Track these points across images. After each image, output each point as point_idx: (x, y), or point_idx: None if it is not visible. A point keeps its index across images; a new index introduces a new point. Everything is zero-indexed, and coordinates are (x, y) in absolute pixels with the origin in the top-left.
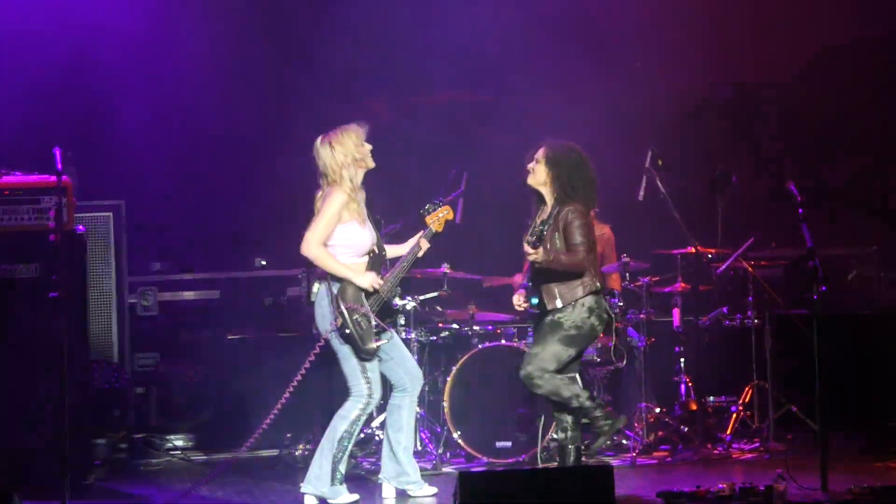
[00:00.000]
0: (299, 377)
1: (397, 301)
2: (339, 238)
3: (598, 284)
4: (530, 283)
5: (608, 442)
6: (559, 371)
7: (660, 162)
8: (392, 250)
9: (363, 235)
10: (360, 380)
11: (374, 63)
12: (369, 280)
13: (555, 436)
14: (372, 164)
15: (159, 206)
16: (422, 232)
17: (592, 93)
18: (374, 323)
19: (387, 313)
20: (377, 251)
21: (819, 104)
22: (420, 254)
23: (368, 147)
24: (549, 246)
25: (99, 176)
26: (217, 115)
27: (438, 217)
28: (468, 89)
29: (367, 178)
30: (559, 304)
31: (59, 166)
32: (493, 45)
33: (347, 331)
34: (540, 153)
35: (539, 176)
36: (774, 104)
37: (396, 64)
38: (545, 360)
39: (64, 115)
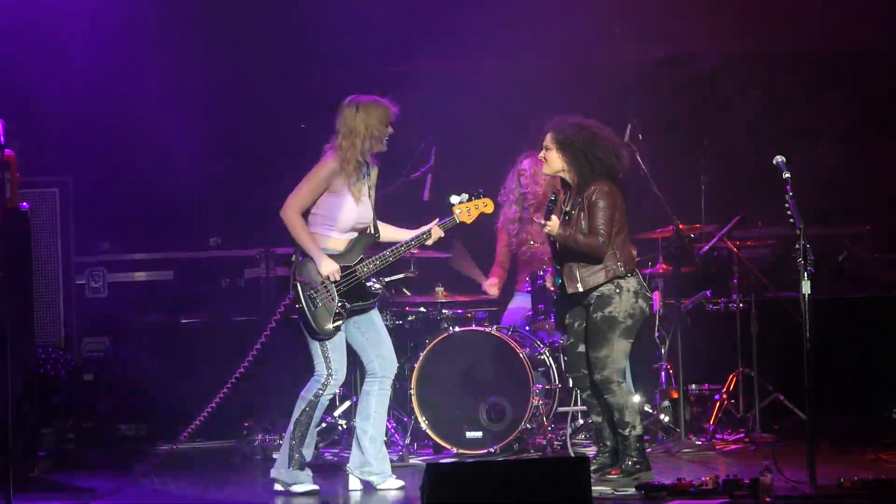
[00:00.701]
0: (246, 363)
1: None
2: (323, 207)
3: (622, 269)
4: (556, 265)
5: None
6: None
7: (640, 136)
8: (394, 233)
9: (350, 211)
10: (321, 359)
11: (334, 29)
12: (326, 269)
13: (594, 418)
14: (383, 149)
15: (108, 182)
16: (438, 220)
17: (568, 59)
18: (337, 302)
19: (359, 295)
20: (371, 232)
21: (808, 76)
22: (430, 241)
23: (389, 131)
24: (574, 228)
25: (43, 151)
26: (170, 86)
27: (471, 208)
28: (437, 57)
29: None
30: (580, 287)
31: (2, 139)
32: (464, 7)
33: (298, 306)
34: (548, 139)
35: (554, 164)
36: (762, 74)
37: (359, 29)
38: (618, 360)
39: (3, 87)
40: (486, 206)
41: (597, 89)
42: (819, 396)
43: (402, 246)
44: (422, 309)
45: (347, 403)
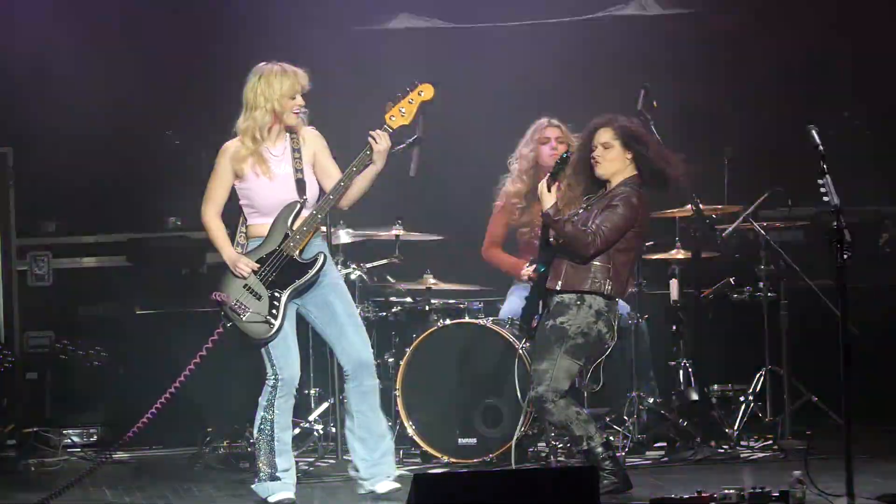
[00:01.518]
0: (193, 364)
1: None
2: (242, 195)
3: (608, 289)
4: (544, 252)
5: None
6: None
7: (654, 103)
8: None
9: (266, 192)
10: (266, 361)
11: None
12: (230, 263)
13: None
14: (292, 123)
15: (53, 154)
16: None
17: (573, 18)
18: (267, 295)
19: (292, 273)
20: (297, 200)
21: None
22: (378, 161)
23: (296, 103)
24: (589, 220)
25: None
26: (124, 49)
27: (404, 106)
28: (427, 16)
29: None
30: (558, 286)
31: None
32: None
33: (228, 325)
34: (608, 135)
35: (613, 164)
36: (793, 33)
37: None
38: (559, 379)
39: None
40: (422, 94)
41: (607, 50)
42: (858, 398)
43: (340, 182)
44: (408, 299)
45: (325, 406)
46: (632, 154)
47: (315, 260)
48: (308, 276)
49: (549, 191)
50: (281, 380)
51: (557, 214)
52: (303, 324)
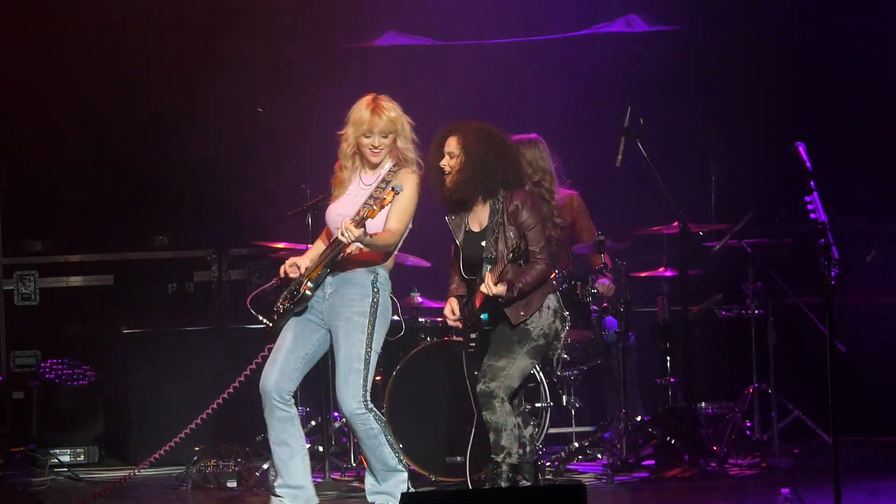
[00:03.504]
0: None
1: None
2: None
3: (555, 284)
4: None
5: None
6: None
7: (641, 121)
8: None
9: (330, 210)
10: None
11: (295, 4)
12: (289, 259)
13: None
14: (374, 161)
15: (39, 172)
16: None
17: (561, 36)
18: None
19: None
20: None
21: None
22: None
23: (371, 143)
24: (505, 248)
25: None
26: (108, 67)
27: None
28: (411, 33)
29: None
30: (523, 315)
31: None
32: None
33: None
34: (453, 144)
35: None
36: (781, 47)
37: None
38: (513, 377)
39: None
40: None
41: (585, 69)
42: (846, 415)
43: (320, 261)
44: (395, 317)
45: (311, 424)
46: (472, 162)
47: (303, 297)
48: (293, 310)
49: (496, 285)
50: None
51: (511, 288)
52: None
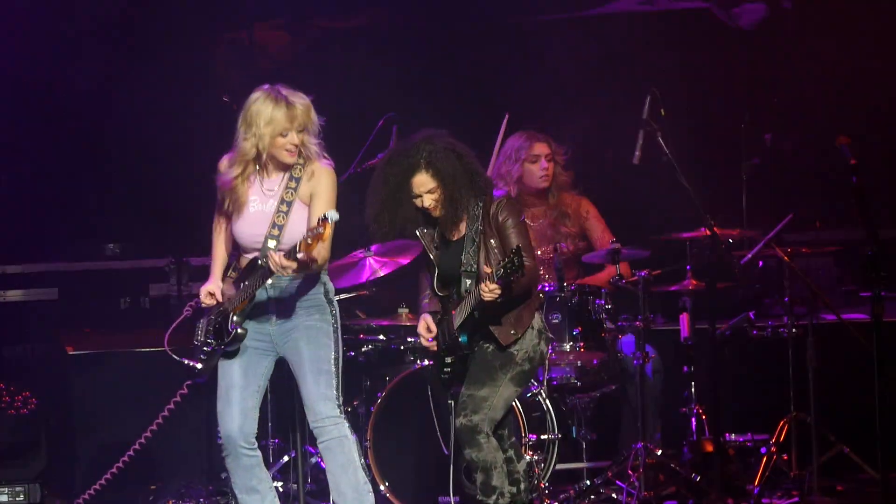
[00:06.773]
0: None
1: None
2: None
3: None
4: (457, 319)
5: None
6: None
7: (662, 111)
8: None
9: (238, 228)
10: None
11: None
12: (203, 288)
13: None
14: (288, 162)
15: None
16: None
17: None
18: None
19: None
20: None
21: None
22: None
23: (288, 141)
24: (490, 258)
25: None
26: (64, 66)
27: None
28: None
29: None
30: (514, 334)
31: None
32: None
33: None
34: (425, 179)
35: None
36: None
37: None
38: (497, 407)
39: None
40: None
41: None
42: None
43: (241, 293)
44: (380, 337)
45: (284, 459)
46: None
47: (236, 337)
48: (225, 349)
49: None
50: (220, 437)
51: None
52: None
